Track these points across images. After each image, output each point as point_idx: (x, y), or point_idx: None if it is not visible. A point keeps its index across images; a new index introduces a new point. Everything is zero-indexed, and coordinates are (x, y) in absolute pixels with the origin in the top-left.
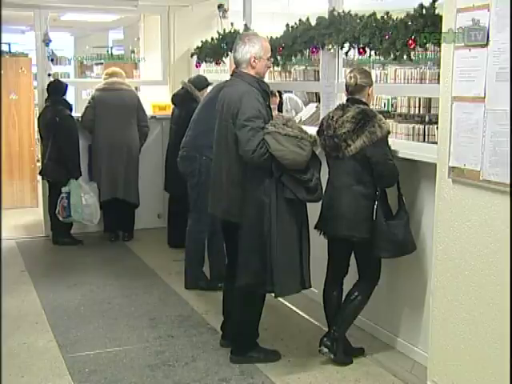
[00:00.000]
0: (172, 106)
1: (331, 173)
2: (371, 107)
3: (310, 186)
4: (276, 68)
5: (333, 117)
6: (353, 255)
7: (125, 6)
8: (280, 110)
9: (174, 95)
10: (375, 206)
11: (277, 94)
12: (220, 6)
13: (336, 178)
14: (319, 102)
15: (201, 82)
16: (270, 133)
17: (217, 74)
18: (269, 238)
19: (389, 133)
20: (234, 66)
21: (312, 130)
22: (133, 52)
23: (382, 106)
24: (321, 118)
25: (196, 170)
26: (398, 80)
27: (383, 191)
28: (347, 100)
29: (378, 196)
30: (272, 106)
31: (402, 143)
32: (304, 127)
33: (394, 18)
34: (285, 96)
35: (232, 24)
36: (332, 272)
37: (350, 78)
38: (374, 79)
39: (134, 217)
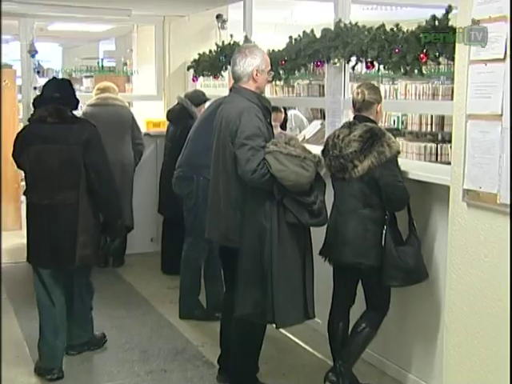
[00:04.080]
0: (167, 123)
1: (337, 195)
2: (380, 125)
3: (313, 210)
4: (278, 82)
5: (339, 135)
6: (360, 283)
7: (117, 15)
8: (284, 127)
9: (169, 111)
10: (384, 231)
11: (282, 109)
12: (219, 17)
13: (342, 200)
14: (324, 119)
15: (198, 98)
16: (271, 152)
17: (215, 88)
18: (270, 264)
19: (399, 153)
20: (232, 80)
21: (316, 150)
22: (125, 64)
23: (392, 123)
24: (326, 136)
25: (193, 191)
26: (408, 96)
27: (393, 215)
28: (354, 117)
29: (387, 220)
30: (274, 124)
31: (413, 163)
32: (307, 146)
33: (405, 30)
34: (290, 113)
35: (231, 35)
36: (338, 301)
37: (357, 93)
38: (382, 95)
39: (125, 241)
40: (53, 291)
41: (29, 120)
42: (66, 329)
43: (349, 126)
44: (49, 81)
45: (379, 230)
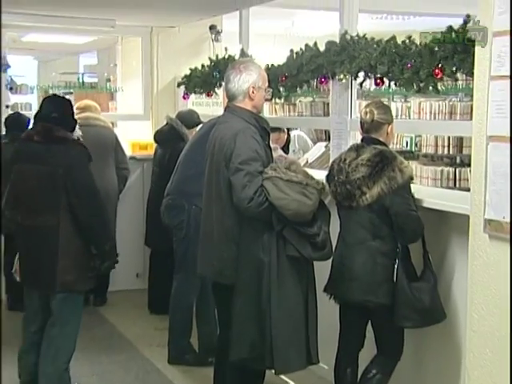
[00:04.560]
0: (155, 145)
1: (343, 226)
2: (391, 147)
3: (317, 242)
4: (278, 100)
5: (345, 159)
6: (370, 324)
7: (100, 26)
8: (285, 150)
9: (157, 132)
10: (396, 266)
11: (285, 130)
12: (212, 28)
13: (349, 231)
14: (329, 140)
15: (191, 119)
16: (269, 178)
17: (208, 107)
18: (268, 303)
19: (412, 178)
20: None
21: (320, 175)
22: (108, 80)
23: (404, 145)
24: (331, 160)
25: (184, 221)
26: (422, 114)
27: (405, 248)
28: (362, 139)
29: (399, 253)
30: (274, 146)
31: (428, 190)
32: (310, 171)
33: (418, 43)
34: (293, 133)
35: (226, 49)
36: (345, 344)
37: (366, 113)
38: (394, 114)
39: (108, 276)
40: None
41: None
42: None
43: (356, 148)
44: (47, 97)
45: (390, 264)
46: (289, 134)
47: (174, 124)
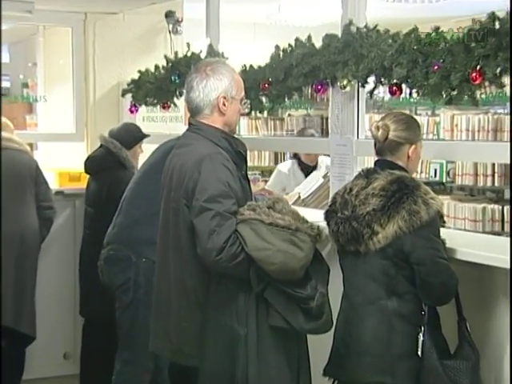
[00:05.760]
0: (87, 177)
1: (347, 279)
2: (414, 175)
3: (311, 308)
4: (259, 115)
5: (351, 189)
6: None
7: (12, 10)
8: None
9: (88, 159)
10: (421, 336)
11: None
12: (169, 15)
13: (355, 286)
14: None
15: (129, 135)
16: (246, 221)
17: (163, 124)
18: None
19: (441, 216)
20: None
21: (316, 217)
22: (25, 86)
23: (432, 174)
24: (331, 194)
25: (130, 280)
26: (456, 133)
27: (433, 311)
28: (376, 163)
29: (424, 318)
30: (255, 181)
31: (465, 236)
32: (303, 211)
33: (448, 37)
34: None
35: (188, 44)
36: None
37: (378, 128)
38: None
39: (23, 358)
40: None
41: None
42: None
43: (366, 174)
44: None
45: (413, 331)
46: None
47: (111, 146)
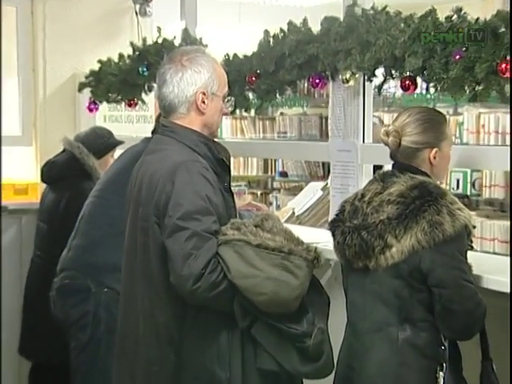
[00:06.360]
0: (42, 187)
1: (351, 301)
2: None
3: (307, 347)
4: (245, 114)
5: (363, 195)
6: None
7: None
8: None
9: (46, 165)
10: (441, 375)
11: None
12: None
13: (360, 311)
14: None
15: (100, 141)
16: (229, 242)
17: (129, 125)
18: None
19: (469, 233)
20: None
21: (314, 236)
22: None
23: (454, 185)
24: (332, 211)
25: (88, 314)
26: (483, 135)
27: (454, 346)
28: (394, 165)
29: (443, 353)
30: (240, 194)
31: (494, 260)
32: (298, 230)
33: (472, 21)
34: None
35: (159, 29)
36: None
37: (387, 134)
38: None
39: None
40: None
41: None
42: None
43: (382, 178)
44: None
45: (428, 368)
46: None
47: (76, 151)
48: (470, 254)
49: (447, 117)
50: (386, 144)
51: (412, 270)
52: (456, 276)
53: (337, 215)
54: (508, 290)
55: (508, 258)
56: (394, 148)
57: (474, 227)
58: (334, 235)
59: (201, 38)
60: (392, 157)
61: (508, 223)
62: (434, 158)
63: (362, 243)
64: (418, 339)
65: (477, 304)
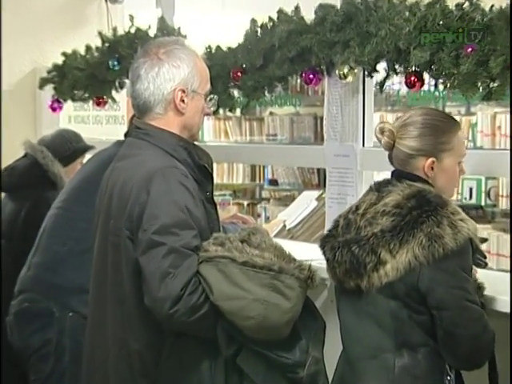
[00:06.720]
0: (2, 195)
1: (344, 326)
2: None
3: (300, 379)
4: (230, 114)
5: (358, 207)
6: None
7: None
8: None
9: (4, 171)
10: None
11: None
12: None
13: (353, 335)
14: (324, 187)
15: (68, 146)
16: (212, 260)
17: (98, 126)
18: None
19: (476, 248)
20: (132, 111)
21: (308, 253)
22: None
23: (466, 194)
24: (327, 223)
25: (51, 342)
26: (499, 138)
27: (458, 376)
28: (393, 173)
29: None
30: (225, 206)
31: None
32: (289, 246)
33: (486, 9)
34: None
35: (132, 17)
36: None
37: (382, 131)
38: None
39: None
40: None
41: None
42: None
43: (378, 187)
44: None
45: None
46: None
47: (39, 156)
48: (483, 272)
49: (458, 117)
50: (380, 141)
51: (409, 290)
52: (458, 296)
53: (329, 231)
54: None
55: None
56: (387, 150)
57: (485, 241)
58: (324, 252)
59: (179, 28)
60: (389, 161)
61: None
62: (431, 169)
63: (352, 259)
64: (417, 367)
65: (483, 328)
